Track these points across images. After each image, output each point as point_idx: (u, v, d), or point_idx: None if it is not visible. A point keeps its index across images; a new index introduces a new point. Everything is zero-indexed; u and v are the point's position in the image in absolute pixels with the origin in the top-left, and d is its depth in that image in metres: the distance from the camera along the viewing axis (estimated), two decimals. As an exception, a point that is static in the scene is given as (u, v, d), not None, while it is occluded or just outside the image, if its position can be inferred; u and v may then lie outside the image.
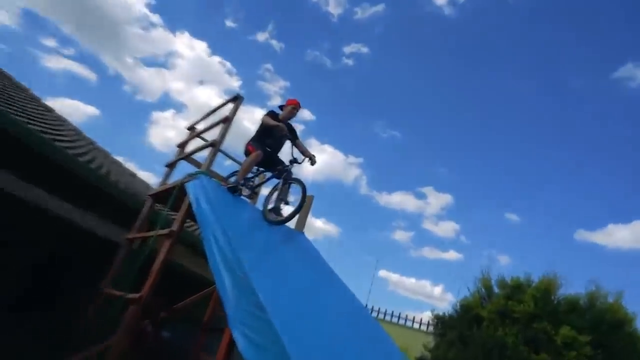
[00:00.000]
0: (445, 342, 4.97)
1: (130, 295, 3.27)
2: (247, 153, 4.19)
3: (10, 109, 4.52)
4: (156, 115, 40.24)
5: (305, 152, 4.19)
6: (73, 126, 7.70)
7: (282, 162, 4.26)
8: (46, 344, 5.51)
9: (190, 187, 3.65)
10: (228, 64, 39.31)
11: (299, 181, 3.86)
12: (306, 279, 3.17)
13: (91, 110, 35.62)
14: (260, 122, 4.33)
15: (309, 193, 3.93)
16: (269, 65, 36.89)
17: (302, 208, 3.92)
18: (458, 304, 5.38)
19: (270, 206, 3.90)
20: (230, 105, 4.26)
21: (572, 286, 4.99)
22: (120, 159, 9.13)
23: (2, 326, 5.81)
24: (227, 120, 4.15)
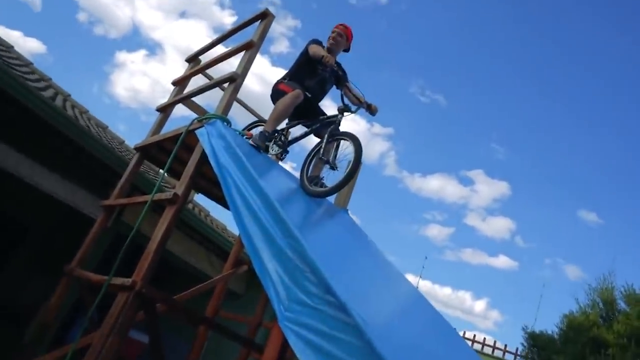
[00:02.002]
0: None
1: (119, 281, 3.09)
2: (277, 96, 3.95)
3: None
4: (122, 56, 39.75)
5: (360, 99, 3.98)
6: (21, 55, 7.47)
7: (324, 113, 4.11)
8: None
9: (202, 135, 3.40)
10: (220, -6, 38.46)
11: (350, 136, 3.59)
12: (373, 271, 3.00)
13: (34, 44, 35.08)
14: (300, 54, 4.12)
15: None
16: (273, -3, 35.95)
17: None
18: (564, 320, 5.16)
19: (309, 173, 3.69)
20: (256, 26, 3.97)
21: None
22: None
23: None
24: (251, 47, 3.85)
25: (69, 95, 7.61)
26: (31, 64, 7.46)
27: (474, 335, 10.74)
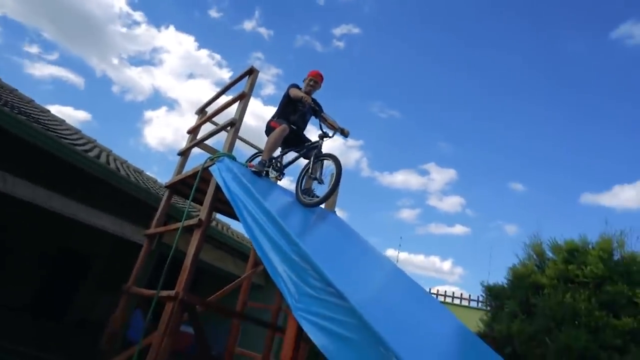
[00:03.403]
0: (505, 315, 4.70)
1: (166, 293, 2.99)
2: (269, 131, 3.88)
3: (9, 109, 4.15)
4: (148, 114, 39.36)
5: (334, 126, 3.86)
6: (71, 126, 7.32)
7: (308, 140, 3.98)
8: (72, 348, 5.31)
9: (214, 171, 3.32)
10: (217, 56, 38.24)
11: (331, 156, 3.51)
12: (360, 259, 2.90)
13: (82, 115, 34.66)
14: (283, 96, 4.01)
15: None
16: (259, 54, 35.87)
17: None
18: (510, 273, 5.11)
19: (302, 187, 3.58)
20: (245, 80, 3.91)
21: (631, 246, 4.70)
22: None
23: (21, 329, 5.55)
24: (243, 97, 3.79)
25: (111, 151, 7.48)
26: (79, 131, 7.33)
27: (445, 291, 10.70)
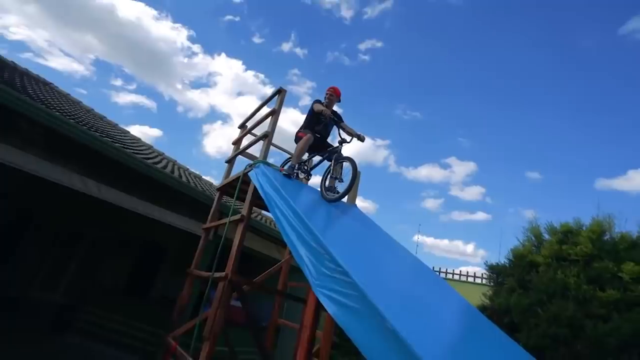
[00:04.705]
0: (505, 290, 4.61)
1: (218, 274, 3.27)
2: (297, 139, 4.06)
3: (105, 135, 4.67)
4: (206, 127, 41.40)
5: (351, 133, 3.94)
6: (145, 142, 7.98)
7: (331, 145, 4.09)
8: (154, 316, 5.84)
9: (252, 176, 3.56)
10: (261, 76, 39.57)
11: (349, 159, 3.64)
12: (370, 244, 3.00)
13: (156, 132, 37.42)
14: (309, 110, 4.17)
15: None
16: (295, 70, 36.61)
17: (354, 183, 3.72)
18: (511, 253, 4.98)
19: (326, 185, 3.74)
20: (275, 98, 4.11)
21: (621, 227, 4.44)
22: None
23: (116, 301, 6.17)
24: (274, 113, 4.00)
25: (176, 161, 8.05)
26: (151, 146, 7.96)
27: (453, 270, 10.57)
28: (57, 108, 4.39)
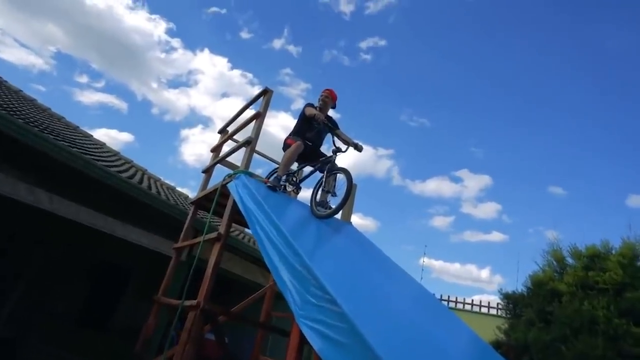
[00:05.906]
0: (523, 323, 4.59)
1: (188, 303, 3.20)
2: (285, 147, 4.06)
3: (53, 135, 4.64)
4: (185, 132, 41.41)
5: (347, 141, 3.94)
6: (111, 148, 7.93)
7: (324, 155, 4.07)
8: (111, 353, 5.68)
9: (232, 187, 3.54)
10: (249, 75, 39.86)
11: (343, 170, 3.62)
12: (366, 267, 2.98)
13: (126, 137, 37.28)
14: (299, 114, 4.19)
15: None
16: (288, 70, 36.97)
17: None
18: (529, 280, 4.98)
19: (316, 200, 3.71)
20: (260, 100, 4.14)
21: None
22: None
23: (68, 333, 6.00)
24: (258, 116, 4.02)
25: (146, 170, 7.99)
26: (118, 153, 7.90)
27: (464, 299, 10.54)
28: (3, 106, 4.35)
